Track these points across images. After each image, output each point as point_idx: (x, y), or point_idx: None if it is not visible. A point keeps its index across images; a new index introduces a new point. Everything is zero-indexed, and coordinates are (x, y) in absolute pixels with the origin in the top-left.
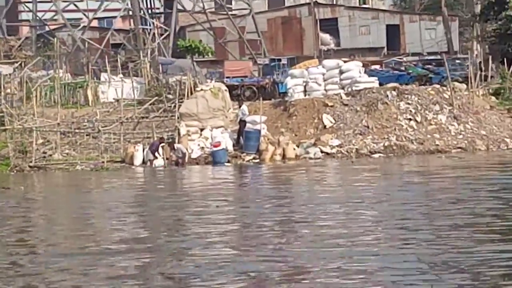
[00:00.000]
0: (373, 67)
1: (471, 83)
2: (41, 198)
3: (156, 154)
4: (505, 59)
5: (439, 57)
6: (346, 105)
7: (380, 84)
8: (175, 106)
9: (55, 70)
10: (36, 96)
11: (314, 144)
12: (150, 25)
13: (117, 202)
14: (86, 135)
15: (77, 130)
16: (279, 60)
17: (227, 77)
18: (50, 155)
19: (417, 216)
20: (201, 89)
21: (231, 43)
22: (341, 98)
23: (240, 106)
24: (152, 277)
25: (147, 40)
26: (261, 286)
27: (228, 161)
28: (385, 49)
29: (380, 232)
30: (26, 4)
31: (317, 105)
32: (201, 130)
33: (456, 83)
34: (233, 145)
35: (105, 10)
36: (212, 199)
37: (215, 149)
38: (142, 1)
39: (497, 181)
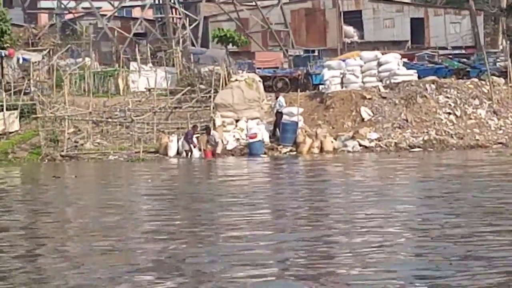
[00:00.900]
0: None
1: (510, 77)
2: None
3: (191, 144)
4: None
5: (463, 51)
6: (385, 98)
7: (418, 77)
8: (209, 96)
9: (83, 59)
10: (67, 84)
11: (352, 137)
12: (180, 14)
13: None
14: (118, 124)
15: (109, 120)
16: (313, 51)
17: (258, 68)
18: (82, 145)
19: None
20: (236, 80)
21: (254, 34)
22: (379, 90)
23: (276, 98)
24: None
25: (178, 29)
26: None
27: (265, 153)
28: (409, 42)
29: None
30: None
31: (354, 98)
32: (236, 121)
33: (494, 77)
34: (269, 137)
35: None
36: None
37: (251, 140)
38: None
39: None
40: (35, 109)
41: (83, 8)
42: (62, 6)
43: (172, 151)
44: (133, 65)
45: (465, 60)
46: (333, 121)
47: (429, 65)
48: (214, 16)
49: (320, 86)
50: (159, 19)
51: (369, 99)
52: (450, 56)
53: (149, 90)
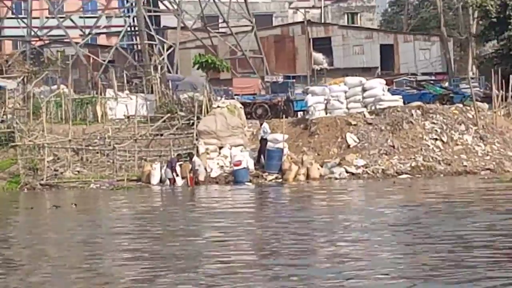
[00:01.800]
0: None
1: (493, 103)
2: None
3: (174, 172)
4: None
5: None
6: (370, 124)
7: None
8: (189, 123)
9: (58, 86)
10: (44, 112)
11: (339, 164)
12: (155, 40)
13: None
14: (96, 152)
15: (90, 148)
16: (293, 77)
17: (236, 95)
18: (62, 173)
19: None
20: (218, 106)
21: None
22: (365, 116)
23: (261, 124)
24: None
25: (154, 56)
26: None
27: (250, 181)
28: (379, 69)
29: None
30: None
31: (339, 124)
32: (220, 148)
33: (478, 103)
34: (254, 164)
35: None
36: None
37: (236, 168)
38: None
39: None
40: (13, 137)
41: (48, 36)
42: (32, 33)
43: (155, 179)
44: (109, 92)
45: (446, 85)
46: (318, 148)
47: (411, 91)
48: (183, 43)
49: (300, 113)
50: (131, 46)
51: (355, 125)
52: (432, 82)
53: (128, 117)
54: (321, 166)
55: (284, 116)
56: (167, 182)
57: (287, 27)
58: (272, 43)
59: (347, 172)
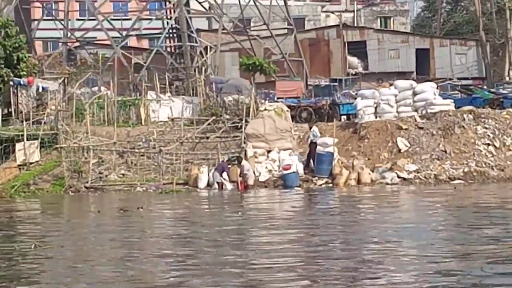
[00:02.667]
0: None
1: None
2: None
3: (224, 176)
4: None
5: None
6: (421, 128)
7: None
8: (236, 126)
9: (99, 88)
10: (89, 113)
11: (390, 169)
12: (197, 42)
13: None
14: (141, 155)
15: (136, 150)
16: (340, 81)
17: (278, 98)
18: (106, 176)
19: None
20: (265, 109)
21: None
22: (416, 120)
23: (310, 128)
24: None
25: (195, 58)
26: None
27: (299, 185)
28: (414, 73)
29: None
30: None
31: (390, 128)
32: (268, 152)
33: None
34: (303, 168)
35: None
36: None
37: (285, 172)
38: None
39: None
40: (56, 139)
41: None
42: (69, 35)
43: (202, 183)
44: (150, 94)
45: (494, 90)
46: (369, 152)
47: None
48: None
49: (343, 117)
50: (165, 48)
51: (405, 129)
52: (480, 86)
53: (172, 119)
54: (372, 171)
55: (329, 119)
56: (215, 186)
57: (322, 30)
58: (306, 46)
59: (398, 177)
